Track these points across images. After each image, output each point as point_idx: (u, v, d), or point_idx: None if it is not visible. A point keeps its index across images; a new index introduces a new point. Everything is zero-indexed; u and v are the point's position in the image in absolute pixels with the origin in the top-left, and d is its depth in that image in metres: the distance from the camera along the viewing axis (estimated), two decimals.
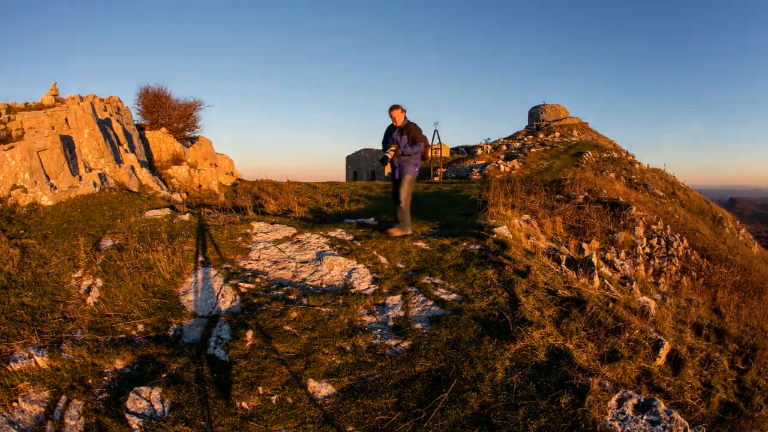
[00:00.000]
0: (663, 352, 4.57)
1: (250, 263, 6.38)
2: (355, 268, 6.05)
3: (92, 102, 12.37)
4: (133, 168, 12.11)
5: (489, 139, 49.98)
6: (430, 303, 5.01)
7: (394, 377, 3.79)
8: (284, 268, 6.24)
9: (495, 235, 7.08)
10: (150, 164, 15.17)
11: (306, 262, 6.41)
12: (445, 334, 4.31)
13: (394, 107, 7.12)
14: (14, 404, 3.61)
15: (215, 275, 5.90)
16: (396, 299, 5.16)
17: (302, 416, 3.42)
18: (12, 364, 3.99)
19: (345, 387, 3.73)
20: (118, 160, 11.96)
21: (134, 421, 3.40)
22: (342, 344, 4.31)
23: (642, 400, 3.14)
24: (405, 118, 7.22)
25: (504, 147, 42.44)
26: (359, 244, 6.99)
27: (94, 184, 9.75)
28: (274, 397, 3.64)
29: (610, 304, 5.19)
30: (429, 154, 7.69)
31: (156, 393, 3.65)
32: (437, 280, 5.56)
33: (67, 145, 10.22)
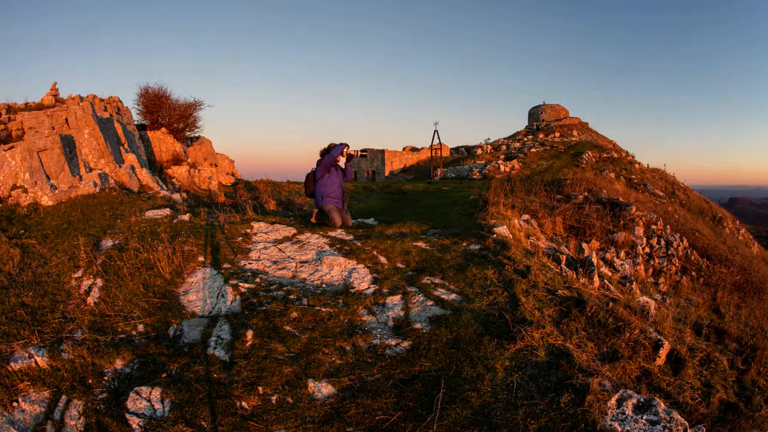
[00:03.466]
0: (663, 352, 4.57)
1: (250, 263, 6.38)
2: (355, 268, 6.05)
3: (92, 102, 12.37)
4: (133, 168, 12.11)
5: (489, 139, 50.12)
6: (430, 303, 5.01)
7: (395, 377, 3.79)
8: (284, 268, 6.24)
9: (495, 235, 7.08)
10: (150, 164, 15.18)
11: (306, 262, 6.41)
12: (445, 334, 4.31)
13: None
14: (14, 404, 3.62)
15: (215, 275, 5.90)
16: (396, 299, 5.17)
17: (302, 416, 3.42)
18: (12, 364, 3.99)
19: (345, 387, 3.73)
20: (119, 160, 11.96)
21: (134, 421, 3.40)
22: (342, 344, 4.31)
23: (642, 399, 3.14)
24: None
25: (504, 147, 42.45)
26: (359, 244, 6.99)
27: (95, 184, 9.75)
28: (274, 397, 3.64)
29: (610, 304, 5.19)
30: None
31: (156, 393, 3.65)
32: (437, 280, 5.56)
33: (68, 145, 10.22)
